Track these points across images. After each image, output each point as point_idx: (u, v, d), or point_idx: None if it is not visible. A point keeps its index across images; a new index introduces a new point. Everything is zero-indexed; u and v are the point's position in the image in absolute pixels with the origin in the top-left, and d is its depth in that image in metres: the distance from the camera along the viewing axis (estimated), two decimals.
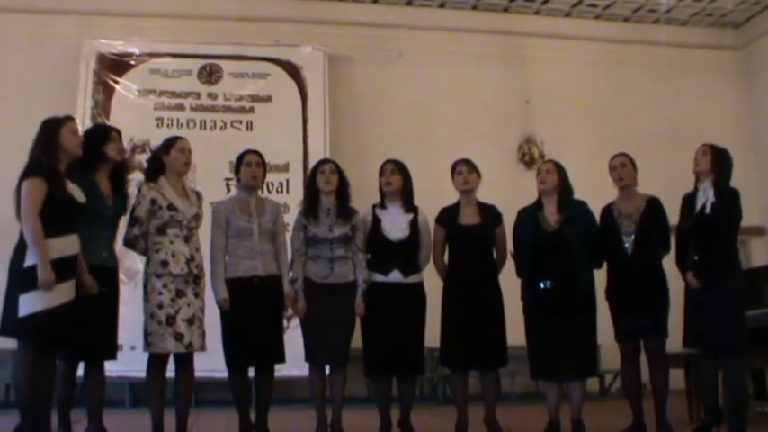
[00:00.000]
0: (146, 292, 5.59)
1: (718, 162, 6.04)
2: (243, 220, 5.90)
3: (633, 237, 6.07)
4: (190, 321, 5.53)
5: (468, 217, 6.24)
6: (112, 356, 5.51)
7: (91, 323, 5.14)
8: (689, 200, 6.14)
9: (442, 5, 10.68)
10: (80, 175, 5.26)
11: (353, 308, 5.97)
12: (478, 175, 6.31)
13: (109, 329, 5.45)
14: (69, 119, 5.36)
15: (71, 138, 5.17)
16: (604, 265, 6.21)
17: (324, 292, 5.94)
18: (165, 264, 5.55)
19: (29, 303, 4.76)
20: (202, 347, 5.63)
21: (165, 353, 5.54)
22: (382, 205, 6.23)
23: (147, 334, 5.52)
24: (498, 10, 10.81)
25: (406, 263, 6.06)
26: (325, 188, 6.07)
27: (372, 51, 10.55)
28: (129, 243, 5.71)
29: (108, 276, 5.45)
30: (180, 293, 5.54)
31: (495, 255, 6.27)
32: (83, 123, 8.71)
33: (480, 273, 6.13)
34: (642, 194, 6.24)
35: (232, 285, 5.81)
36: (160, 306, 5.50)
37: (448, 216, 6.28)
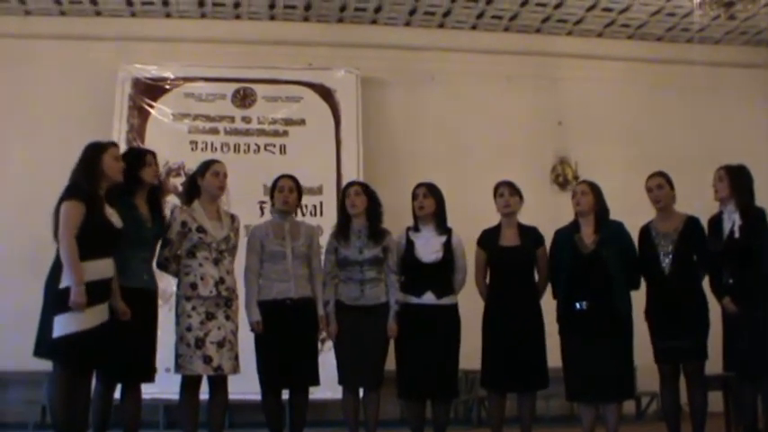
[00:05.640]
0: (176, 315, 5.65)
1: (737, 184, 5.99)
2: (276, 243, 5.93)
3: (671, 257, 6.03)
4: (220, 344, 5.55)
5: (509, 239, 6.24)
6: (150, 379, 5.55)
7: (129, 345, 5.19)
8: (714, 223, 6.10)
9: (473, 27, 10.66)
10: (119, 200, 5.32)
11: (386, 330, 5.97)
12: (521, 197, 6.32)
13: (147, 352, 5.49)
14: (113, 145, 5.45)
15: (113, 164, 5.24)
16: (643, 286, 6.17)
17: (355, 314, 5.94)
18: (194, 286, 5.59)
19: (63, 325, 4.80)
20: (234, 370, 5.65)
21: (196, 375, 5.56)
22: (416, 228, 6.24)
23: (177, 356, 5.58)
24: (530, 31, 10.77)
25: (440, 285, 6.06)
26: (352, 210, 6.10)
27: (405, 73, 10.55)
28: (161, 265, 5.76)
29: (148, 299, 5.52)
30: (210, 316, 5.57)
31: (536, 277, 6.27)
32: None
33: (521, 295, 6.13)
34: (681, 214, 6.20)
35: (265, 308, 5.84)
36: (189, 329, 5.54)
37: (489, 238, 6.30)
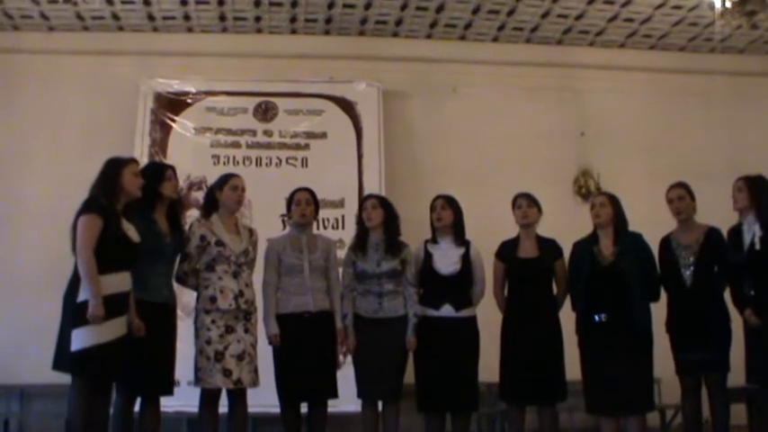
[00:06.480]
0: (196, 328, 5.68)
1: (757, 194, 5.95)
2: (294, 257, 5.95)
3: (692, 269, 6.00)
4: (239, 357, 5.57)
5: (527, 250, 6.24)
6: (169, 392, 5.58)
7: (148, 358, 5.23)
8: (734, 234, 6.04)
9: (495, 39, 10.63)
10: (139, 214, 5.36)
11: (404, 343, 5.96)
12: (539, 209, 6.32)
13: (166, 365, 5.53)
14: (132, 161, 5.51)
15: (132, 179, 5.29)
16: (663, 298, 6.13)
17: (374, 327, 5.94)
18: (213, 300, 5.61)
19: (81, 338, 4.85)
20: (254, 383, 5.67)
21: (216, 388, 5.57)
22: (434, 240, 6.25)
23: (196, 369, 5.60)
24: (552, 42, 10.72)
25: (458, 297, 6.06)
26: (368, 223, 6.12)
27: (426, 86, 10.52)
28: (180, 279, 5.79)
29: (167, 314, 5.56)
30: (229, 329, 5.60)
31: (555, 289, 6.25)
32: (140, 162, 8.81)
33: (539, 306, 6.12)
34: (702, 225, 6.17)
35: (283, 321, 5.86)
36: (209, 342, 5.56)
37: (507, 250, 6.31)
